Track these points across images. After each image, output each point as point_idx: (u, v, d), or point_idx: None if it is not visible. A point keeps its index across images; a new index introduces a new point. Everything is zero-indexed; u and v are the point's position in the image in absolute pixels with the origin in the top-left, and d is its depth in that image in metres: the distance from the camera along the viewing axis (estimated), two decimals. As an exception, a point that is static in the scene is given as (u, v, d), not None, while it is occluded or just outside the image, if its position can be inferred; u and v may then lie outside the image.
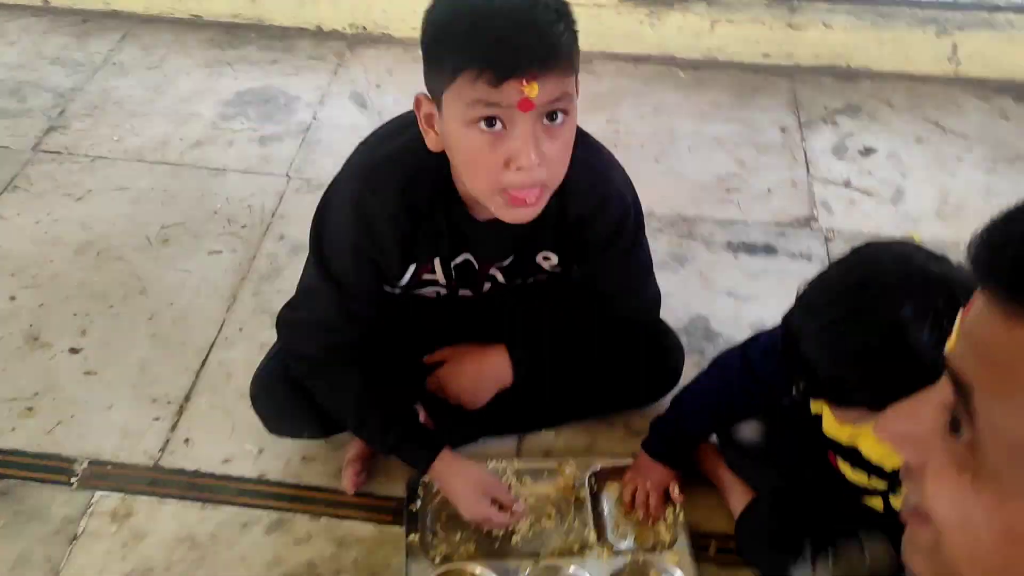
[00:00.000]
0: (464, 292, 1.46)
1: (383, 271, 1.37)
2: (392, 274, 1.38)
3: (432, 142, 1.20)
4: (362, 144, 1.39)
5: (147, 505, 1.53)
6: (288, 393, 1.49)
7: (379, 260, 1.34)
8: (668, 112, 2.46)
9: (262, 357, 1.61)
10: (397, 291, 1.42)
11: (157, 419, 1.66)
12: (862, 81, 2.59)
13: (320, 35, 2.69)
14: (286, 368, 1.47)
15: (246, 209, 2.10)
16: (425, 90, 1.18)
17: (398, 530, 1.50)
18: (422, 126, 1.21)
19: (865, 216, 2.15)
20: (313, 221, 1.37)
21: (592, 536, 1.49)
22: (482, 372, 1.53)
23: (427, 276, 1.41)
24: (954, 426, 0.51)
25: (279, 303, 1.81)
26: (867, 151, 2.36)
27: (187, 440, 1.63)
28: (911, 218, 2.15)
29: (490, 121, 1.10)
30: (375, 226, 1.30)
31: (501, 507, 1.44)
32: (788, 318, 1.15)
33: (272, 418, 1.55)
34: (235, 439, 1.63)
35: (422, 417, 1.53)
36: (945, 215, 2.15)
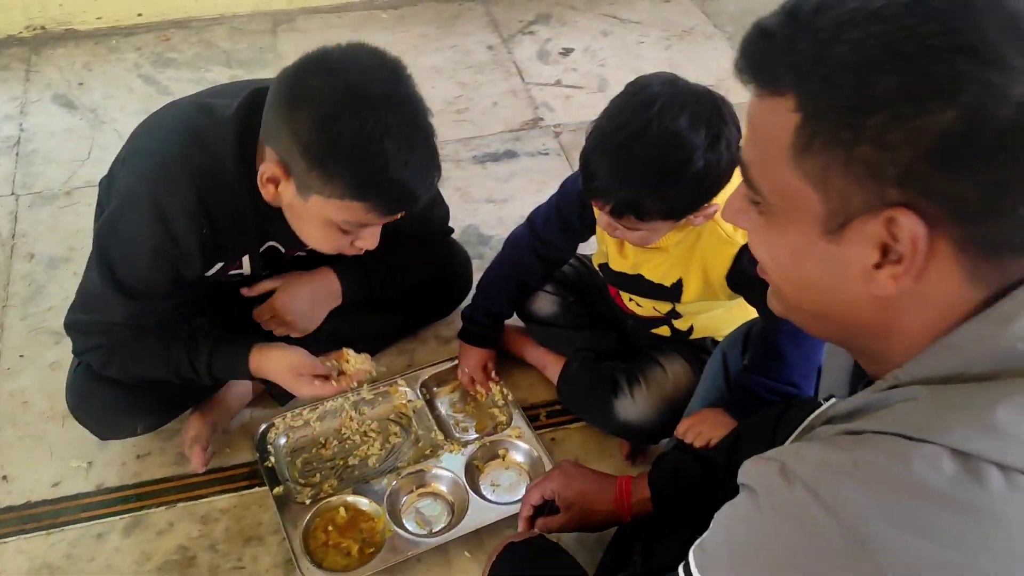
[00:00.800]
0: (261, 274, 1.50)
1: (182, 272, 1.36)
2: (194, 273, 1.37)
3: (267, 195, 1.25)
4: (136, 143, 1.36)
5: (-15, 551, 1.45)
6: (111, 394, 1.46)
7: (179, 262, 1.33)
8: (382, 52, 2.56)
9: (54, 376, 1.54)
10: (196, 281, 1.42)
11: (-39, 468, 1.55)
12: (544, -9, 2.85)
13: (-5, 44, 2.49)
14: (98, 374, 1.44)
15: (-20, 238, 1.95)
16: (272, 148, 1.21)
17: (258, 491, 1.54)
18: (260, 180, 1.23)
19: (581, 106, 2.41)
20: (100, 231, 1.33)
21: (440, 436, 1.61)
22: (315, 292, 1.57)
23: (234, 271, 1.44)
24: (753, 199, 0.71)
25: (54, 318, 1.76)
26: (566, 51, 2.61)
27: (4, 477, 1.55)
28: (618, 101, 2.43)
29: (353, 230, 1.28)
30: (174, 228, 1.29)
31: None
32: (583, 158, 1.28)
33: (100, 424, 1.51)
34: (57, 461, 1.57)
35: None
36: (644, 92, 2.46)
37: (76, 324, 1.41)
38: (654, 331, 1.61)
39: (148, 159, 1.30)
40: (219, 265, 1.40)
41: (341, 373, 1.46)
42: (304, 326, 1.57)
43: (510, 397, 1.68)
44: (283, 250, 1.47)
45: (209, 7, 2.60)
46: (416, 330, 1.82)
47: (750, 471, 0.72)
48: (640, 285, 1.49)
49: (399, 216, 1.27)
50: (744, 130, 0.72)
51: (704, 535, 0.77)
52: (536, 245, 1.59)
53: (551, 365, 1.70)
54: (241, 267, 1.43)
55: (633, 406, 1.53)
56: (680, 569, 0.78)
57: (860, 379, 0.81)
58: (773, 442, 1.07)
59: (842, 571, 0.62)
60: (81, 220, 1.98)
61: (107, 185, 1.50)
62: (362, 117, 1.14)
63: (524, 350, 1.75)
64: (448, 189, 2.13)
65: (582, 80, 2.50)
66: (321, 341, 1.56)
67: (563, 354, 1.70)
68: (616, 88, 1.26)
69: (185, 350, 1.41)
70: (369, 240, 1.31)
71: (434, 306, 1.82)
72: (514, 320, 1.75)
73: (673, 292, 1.45)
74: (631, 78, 1.26)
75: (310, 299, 1.58)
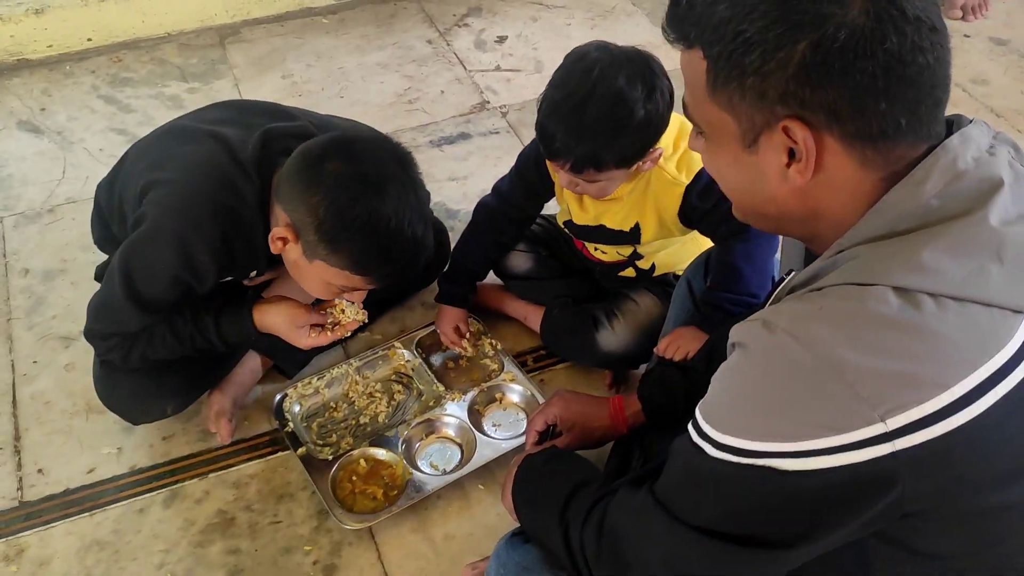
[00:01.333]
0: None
1: (195, 290, 1.48)
2: (205, 288, 1.49)
3: (275, 249, 1.42)
4: (160, 173, 1.44)
5: (35, 537, 1.55)
6: (137, 381, 1.58)
7: (195, 284, 1.46)
8: (329, 55, 2.70)
9: (70, 376, 1.65)
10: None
11: (-3, 467, 1.65)
12: (472, -14, 3.02)
13: (-52, 80, 2.55)
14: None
15: (-29, 261, 2.04)
16: (286, 213, 1.38)
17: (281, 455, 1.68)
18: (270, 238, 1.40)
19: (522, 87, 2.58)
20: (122, 253, 1.43)
21: (440, 388, 1.77)
22: None
23: (240, 280, 1.60)
24: (697, 131, 0.93)
25: (59, 326, 1.87)
26: (501, 39, 2.79)
27: (40, 470, 1.65)
28: (556, 79, 2.61)
29: (347, 290, 1.47)
30: (197, 262, 1.42)
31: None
32: (540, 126, 1.45)
33: (132, 410, 1.63)
34: (89, 450, 1.67)
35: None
36: (578, 70, 2.65)
37: (92, 333, 1.53)
38: (621, 274, 1.79)
39: (176, 195, 1.41)
40: (229, 279, 1.55)
41: (336, 324, 1.59)
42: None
43: (499, 347, 1.85)
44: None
45: (155, 27, 2.70)
46: (403, 300, 1.97)
47: (739, 330, 0.89)
48: (603, 234, 1.67)
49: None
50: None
51: (705, 395, 0.92)
52: (505, 209, 1.76)
53: (531, 315, 1.87)
54: (246, 277, 1.58)
55: (614, 336, 1.71)
56: (689, 426, 0.93)
57: (812, 259, 0.98)
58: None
59: (819, 392, 0.78)
60: (68, 234, 2.08)
61: (108, 186, 1.62)
62: (372, 206, 1.32)
63: (505, 305, 1.92)
64: (412, 172, 2.29)
65: (519, 64, 2.68)
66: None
67: (542, 304, 1.87)
68: (551, 67, 1.46)
69: (194, 326, 1.52)
70: (356, 297, 1.56)
71: (418, 277, 1.97)
72: (492, 280, 1.92)
73: (632, 235, 1.64)
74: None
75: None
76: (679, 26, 0.86)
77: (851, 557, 0.88)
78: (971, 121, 0.88)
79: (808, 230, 0.94)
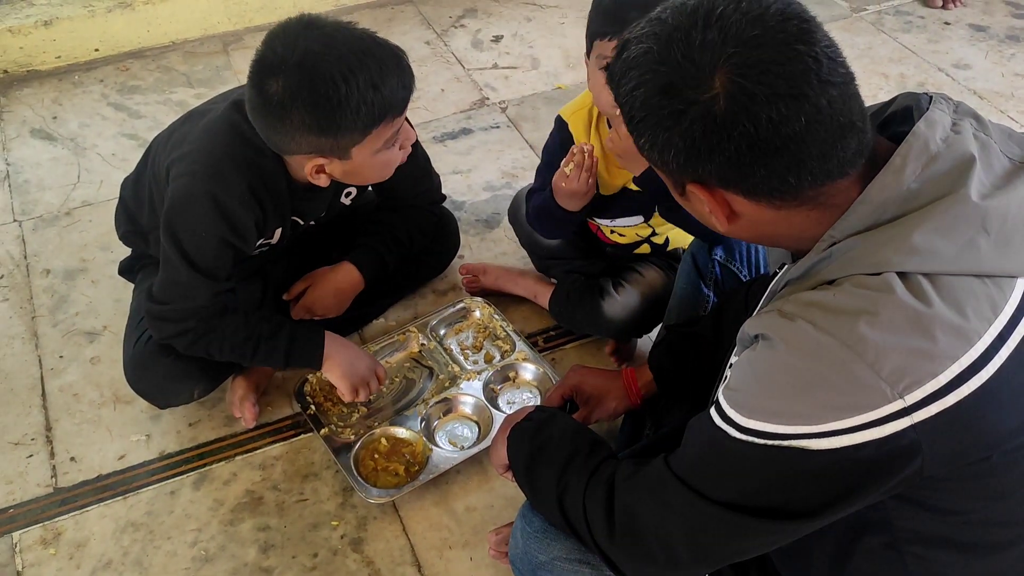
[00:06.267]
0: (282, 243, 1.70)
1: (241, 249, 1.55)
2: (250, 249, 1.58)
3: (323, 182, 1.49)
4: (183, 147, 1.51)
5: (71, 521, 1.60)
6: (170, 364, 1.64)
7: (239, 244, 1.53)
8: (329, 58, 2.77)
9: (96, 369, 1.72)
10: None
11: (31, 456, 1.70)
12: (467, -12, 3.10)
13: (-40, 93, 2.61)
14: (160, 346, 1.62)
15: (-8, 264, 2.09)
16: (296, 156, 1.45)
17: (304, 437, 1.74)
18: (309, 174, 1.46)
19: (520, 84, 2.66)
20: (166, 229, 1.50)
21: (456, 369, 1.83)
22: (340, 286, 1.79)
23: (265, 241, 1.64)
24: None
25: (82, 322, 1.93)
26: (497, 38, 2.86)
27: (73, 458, 1.70)
28: (552, 75, 2.68)
29: (393, 140, 1.48)
30: (233, 216, 1.48)
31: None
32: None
33: (162, 392, 1.69)
34: (118, 438, 1.73)
35: None
36: (573, 66, 2.72)
37: (164, 314, 1.56)
38: (636, 251, 1.85)
39: (197, 161, 1.48)
40: (260, 240, 1.60)
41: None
42: (334, 315, 1.79)
43: (510, 328, 1.91)
44: (301, 223, 1.67)
45: (160, 36, 2.77)
46: (415, 288, 2.03)
47: (755, 324, 0.94)
48: (625, 202, 1.71)
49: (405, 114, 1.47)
50: None
51: (727, 380, 0.97)
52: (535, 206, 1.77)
53: (540, 293, 1.94)
54: (272, 238, 1.63)
55: (618, 302, 1.77)
56: (711, 410, 0.97)
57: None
58: (746, 310, 1.33)
59: (843, 372, 0.83)
60: (86, 235, 2.14)
61: (135, 181, 1.69)
62: (328, 64, 1.33)
63: (515, 285, 1.99)
64: (418, 167, 2.36)
65: (516, 61, 2.75)
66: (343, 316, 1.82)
67: (556, 278, 1.93)
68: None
69: (270, 337, 1.60)
70: (408, 135, 1.54)
71: (430, 266, 2.04)
72: (500, 263, 1.99)
73: (649, 203, 1.69)
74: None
75: (335, 292, 1.80)
76: (611, 90, 0.95)
77: (872, 516, 0.94)
78: (931, 100, 0.93)
79: (779, 245, 1.02)
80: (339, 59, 1.33)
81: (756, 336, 0.95)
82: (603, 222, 1.79)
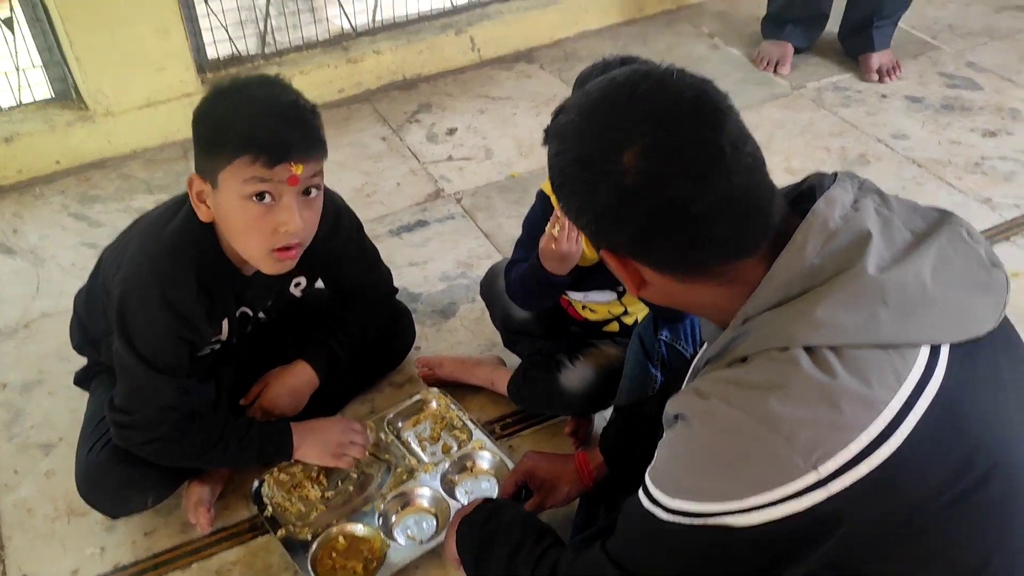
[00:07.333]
0: (232, 340, 1.71)
1: (195, 346, 1.57)
2: (203, 341, 1.60)
3: (203, 214, 1.47)
4: (125, 253, 1.54)
5: (22, 641, 1.57)
6: (126, 472, 1.63)
7: (192, 338, 1.55)
8: (287, 159, 2.83)
9: (51, 482, 1.73)
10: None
11: (-18, 575, 1.68)
12: (420, 85, 3.19)
13: (-80, 211, 2.64)
14: (114, 454, 1.62)
15: (-52, 380, 2.09)
16: (195, 172, 1.45)
17: (261, 540, 1.72)
18: (194, 202, 1.46)
19: (474, 174, 2.72)
20: (119, 334, 1.51)
21: (413, 462, 1.83)
22: (295, 385, 1.80)
23: (216, 338, 1.66)
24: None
25: (37, 435, 1.93)
26: (451, 131, 2.94)
27: (25, 575, 1.67)
28: (505, 165, 2.76)
29: (261, 195, 1.37)
30: (184, 310, 1.50)
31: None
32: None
33: (114, 502, 1.69)
34: (72, 551, 1.71)
35: None
36: (525, 154, 2.79)
37: (133, 423, 1.55)
38: (605, 329, 1.87)
39: (143, 263, 1.50)
40: (210, 332, 1.61)
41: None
42: (291, 414, 1.80)
43: (467, 417, 1.92)
44: (251, 313, 1.69)
45: (121, 146, 2.82)
46: (372, 382, 2.04)
47: (673, 404, 0.98)
48: (599, 274, 1.69)
49: (295, 167, 1.36)
50: None
51: (653, 462, 1.00)
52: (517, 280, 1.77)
53: (498, 380, 1.95)
54: (221, 333, 1.65)
55: (575, 373, 1.79)
56: (640, 492, 1.00)
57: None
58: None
59: (758, 447, 0.87)
60: (44, 347, 2.14)
61: (87, 293, 1.73)
62: (230, 95, 1.40)
63: (471, 375, 2.00)
64: (374, 261, 2.40)
65: (470, 153, 2.82)
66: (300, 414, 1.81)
67: (520, 357, 1.96)
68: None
69: (239, 438, 1.63)
70: (285, 214, 1.39)
71: (385, 360, 2.06)
72: (453, 353, 2.02)
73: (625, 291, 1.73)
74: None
75: (290, 392, 1.80)
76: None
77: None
78: (835, 179, 0.98)
79: (698, 315, 1.06)
80: (251, 91, 1.40)
81: (676, 416, 0.97)
82: (576, 296, 1.82)
